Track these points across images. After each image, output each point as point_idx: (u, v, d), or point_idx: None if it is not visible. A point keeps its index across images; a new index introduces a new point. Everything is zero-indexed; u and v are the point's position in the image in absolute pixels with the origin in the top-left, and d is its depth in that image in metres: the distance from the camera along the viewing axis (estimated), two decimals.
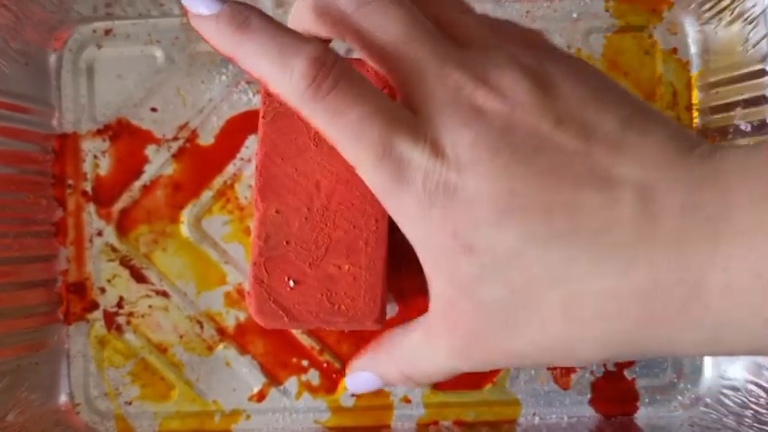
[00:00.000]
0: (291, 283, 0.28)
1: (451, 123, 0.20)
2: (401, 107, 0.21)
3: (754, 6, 0.33)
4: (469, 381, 0.37)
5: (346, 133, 0.20)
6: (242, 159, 0.37)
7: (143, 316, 0.37)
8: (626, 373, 0.37)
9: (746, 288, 0.18)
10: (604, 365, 0.37)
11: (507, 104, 0.20)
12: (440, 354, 0.23)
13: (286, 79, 0.20)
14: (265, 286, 0.28)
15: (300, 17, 0.24)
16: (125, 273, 0.37)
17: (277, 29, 0.21)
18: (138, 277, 0.37)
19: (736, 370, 0.36)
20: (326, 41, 0.25)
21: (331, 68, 0.20)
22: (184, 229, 0.37)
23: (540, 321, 0.20)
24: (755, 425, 0.34)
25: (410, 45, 0.21)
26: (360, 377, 0.26)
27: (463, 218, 0.20)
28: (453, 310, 0.21)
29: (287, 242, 0.28)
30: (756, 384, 0.34)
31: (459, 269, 0.21)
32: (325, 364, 0.37)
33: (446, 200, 0.20)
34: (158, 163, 0.37)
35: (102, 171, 0.37)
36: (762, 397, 0.34)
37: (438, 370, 0.24)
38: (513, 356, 0.22)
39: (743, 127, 0.35)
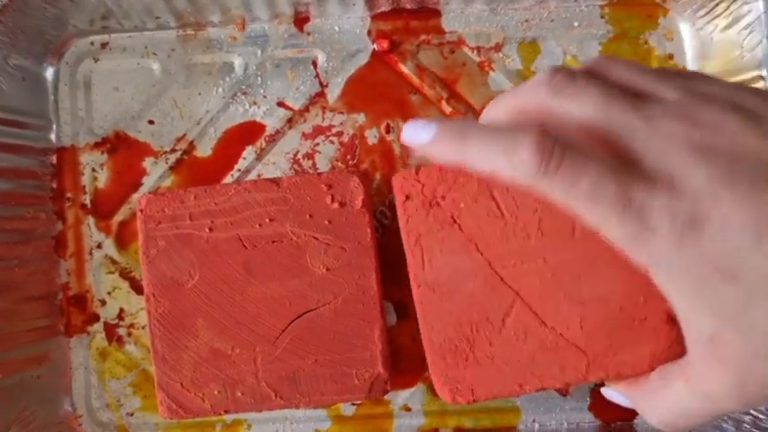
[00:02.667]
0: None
1: (681, 164, 0.21)
2: (626, 162, 0.22)
3: (749, 12, 0.33)
4: None
5: (583, 199, 0.22)
6: (239, 171, 0.37)
7: (143, 327, 0.37)
8: None
9: None
10: None
11: (726, 138, 0.21)
12: (709, 399, 0.23)
13: (515, 168, 0.22)
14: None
15: (497, 113, 0.26)
16: (125, 285, 0.37)
17: (492, 129, 0.23)
18: (138, 289, 0.37)
19: None
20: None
21: (553, 148, 0.22)
22: None
23: None
24: (754, 430, 0.34)
25: (611, 111, 0.23)
26: (616, 397, 0.28)
27: (719, 248, 0.21)
28: (719, 344, 0.22)
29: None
30: None
31: (724, 297, 0.21)
32: None
33: (696, 234, 0.21)
34: (156, 175, 0.37)
35: (101, 184, 0.38)
36: None
37: (706, 416, 0.24)
38: None
39: None
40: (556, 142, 0.22)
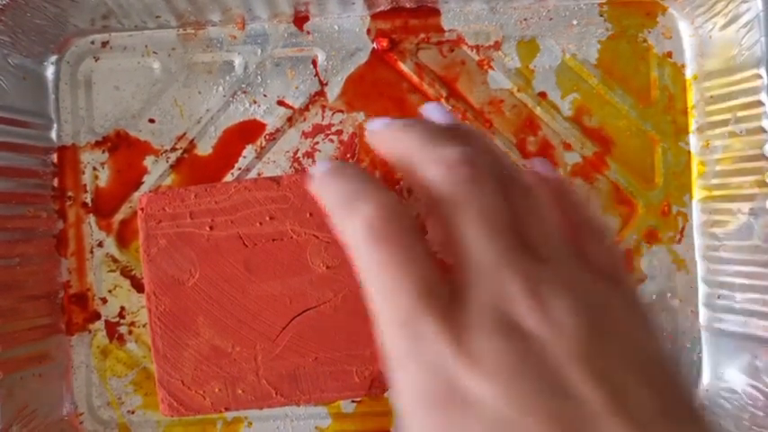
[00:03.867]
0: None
1: (485, 325, 0.19)
2: (443, 287, 0.20)
3: (748, 10, 0.33)
4: None
5: (380, 286, 0.20)
6: (239, 169, 0.37)
7: (144, 326, 0.37)
8: None
9: None
10: None
11: (548, 331, 0.19)
12: None
13: (349, 219, 0.21)
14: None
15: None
16: (126, 283, 0.38)
17: (359, 175, 0.22)
18: (139, 287, 0.37)
19: (735, 373, 0.36)
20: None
21: (388, 222, 0.20)
22: None
23: None
24: (753, 427, 0.34)
25: (483, 236, 0.21)
26: None
27: (462, 429, 0.19)
28: None
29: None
30: (754, 387, 0.35)
31: None
32: None
33: (450, 402, 0.19)
34: (157, 173, 0.38)
35: (102, 183, 0.38)
36: (759, 400, 0.34)
37: None
38: None
39: (738, 130, 0.35)
40: (395, 219, 0.20)
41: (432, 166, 0.22)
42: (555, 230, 0.22)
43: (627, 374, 0.19)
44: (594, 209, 0.25)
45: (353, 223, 0.21)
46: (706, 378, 0.37)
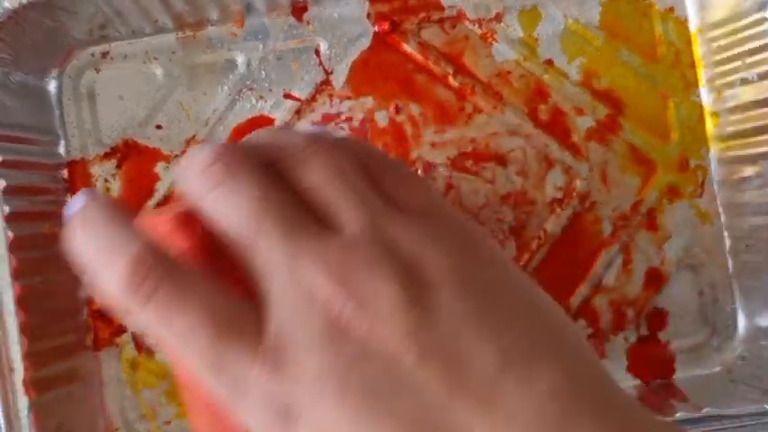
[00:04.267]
0: None
1: (299, 338, 0.17)
2: (243, 311, 0.18)
3: None
4: None
5: (176, 343, 0.17)
6: None
7: None
8: (660, 335, 0.37)
9: None
10: (637, 329, 0.37)
11: (367, 319, 0.17)
12: None
13: (109, 283, 0.18)
14: None
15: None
16: None
17: (110, 220, 0.19)
18: None
19: None
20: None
21: (149, 270, 0.17)
22: None
23: None
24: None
25: (260, 235, 0.18)
26: None
27: None
28: None
29: None
30: None
31: None
32: None
33: (288, 428, 0.17)
34: (170, 180, 0.37)
35: (115, 193, 0.37)
36: None
37: None
38: None
39: (750, 77, 0.34)
40: (157, 263, 0.17)
41: (188, 174, 0.19)
42: (349, 190, 0.19)
43: (461, 334, 0.17)
44: (385, 154, 0.24)
45: (112, 287, 0.18)
46: (741, 327, 0.37)
